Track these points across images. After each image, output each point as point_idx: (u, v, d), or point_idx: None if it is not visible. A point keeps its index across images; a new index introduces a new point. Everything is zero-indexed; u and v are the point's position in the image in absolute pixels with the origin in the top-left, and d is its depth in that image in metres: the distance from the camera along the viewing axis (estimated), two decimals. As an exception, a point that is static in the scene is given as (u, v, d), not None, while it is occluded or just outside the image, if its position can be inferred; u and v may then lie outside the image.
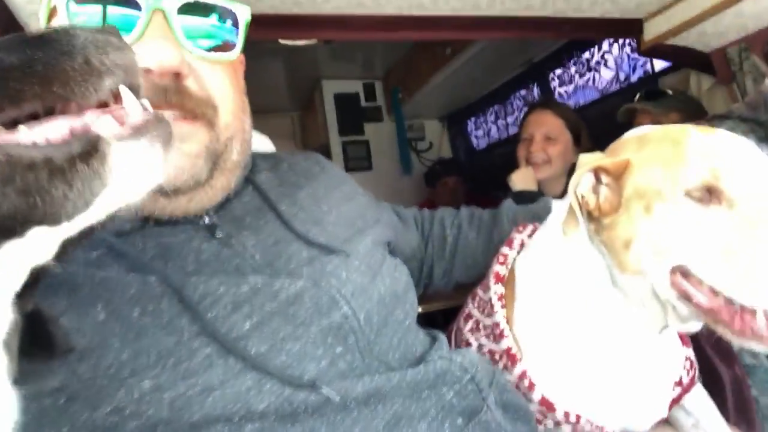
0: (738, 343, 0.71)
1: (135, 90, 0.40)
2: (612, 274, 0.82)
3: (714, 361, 1.18)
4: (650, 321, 0.83)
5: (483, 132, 4.19)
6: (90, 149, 0.35)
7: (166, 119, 0.41)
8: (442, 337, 0.85)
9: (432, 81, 3.48)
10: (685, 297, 0.73)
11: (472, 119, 4.28)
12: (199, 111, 0.68)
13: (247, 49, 0.77)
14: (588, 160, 0.83)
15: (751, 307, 0.68)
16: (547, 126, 2.08)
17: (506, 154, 2.33)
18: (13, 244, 0.34)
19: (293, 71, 3.88)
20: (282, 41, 2.73)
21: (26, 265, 0.38)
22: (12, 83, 0.33)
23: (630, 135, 0.85)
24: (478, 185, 3.62)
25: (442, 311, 1.86)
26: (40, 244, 0.37)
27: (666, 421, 0.99)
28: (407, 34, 1.53)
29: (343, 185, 0.95)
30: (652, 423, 0.91)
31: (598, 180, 0.82)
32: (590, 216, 0.83)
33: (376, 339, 0.72)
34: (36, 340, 0.43)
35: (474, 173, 3.79)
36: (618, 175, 0.79)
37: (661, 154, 0.76)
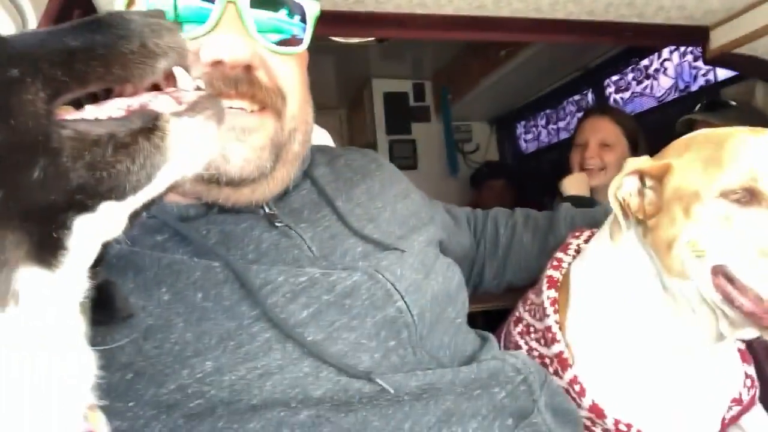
0: None
1: (186, 70, 0.43)
2: (661, 279, 0.82)
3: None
4: (703, 328, 0.82)
5: (532, 136, 4.12)
6: (150, 125, 0.38)
7: (216, 98, 0.44)
8: (492, 338, 0.85)
9: (483, 83, 3.44)
10: (728, 300, 0.73)
11: (522, 122, 4.22)
12: (268, 101, 0.71)
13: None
14: (632, 163, 0.84)
15: None
16: (604, 132, 2.04)
17: (555, 159, 2.28)
18: (86, 219, 0.37)
19: (343, 69, 3.91)
20: (335, 38, 2.75)
21: (99, 238, 0.41)
22: (78, 65, 0.35)
23: (679, 139, 0.84)
24: (525, 189, 3.57)
25: (482, 313, 1.84)
26: (110, 219, 0.39)
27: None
28: (466, 34, 1.52)
29: (398, 183, 0.96)
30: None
31: (642, 183, 0.83)
32: (638, 220, 0.83)
33: (428, 335, 0.73)
34: (95, 306, 0.45)
35: (521, 177, 3.74)
36: (660, 177, 0.80)
37: (701, 155, 0.76)
